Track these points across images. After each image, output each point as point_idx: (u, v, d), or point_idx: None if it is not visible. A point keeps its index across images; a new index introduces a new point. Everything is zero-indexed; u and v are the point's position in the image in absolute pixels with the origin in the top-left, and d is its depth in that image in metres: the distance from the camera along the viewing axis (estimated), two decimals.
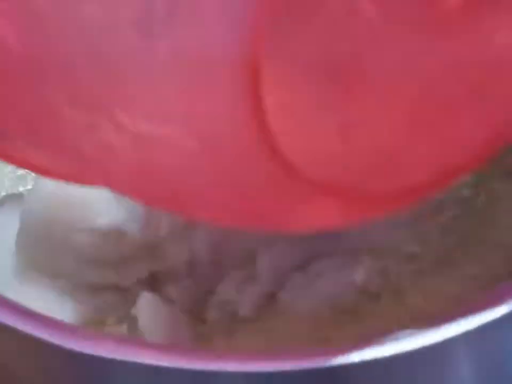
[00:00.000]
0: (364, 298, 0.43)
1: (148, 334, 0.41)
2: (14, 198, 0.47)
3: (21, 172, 0.49)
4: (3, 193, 0.49)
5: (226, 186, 0.30)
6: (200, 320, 0.43)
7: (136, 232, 0.42)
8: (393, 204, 0.33)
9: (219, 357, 0.32)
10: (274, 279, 0.44)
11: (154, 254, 0.44)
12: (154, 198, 0.32)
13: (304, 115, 0.29)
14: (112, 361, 0.32)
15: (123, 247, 0.43)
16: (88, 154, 0.31)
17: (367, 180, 0.31)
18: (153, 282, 0.44)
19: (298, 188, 0.30)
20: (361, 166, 0.31)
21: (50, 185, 0.43)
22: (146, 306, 0.43)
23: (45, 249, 0.44)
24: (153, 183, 0.31)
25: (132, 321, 0.42)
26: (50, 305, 0.41)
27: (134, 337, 0.40)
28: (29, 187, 0.48)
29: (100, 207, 0.42)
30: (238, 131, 0.28)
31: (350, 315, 0.43)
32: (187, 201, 0.32)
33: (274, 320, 0.43)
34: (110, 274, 0.44)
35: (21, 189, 0.49)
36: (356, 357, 0.31)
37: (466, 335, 0.32)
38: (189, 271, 0.44)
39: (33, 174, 0.46)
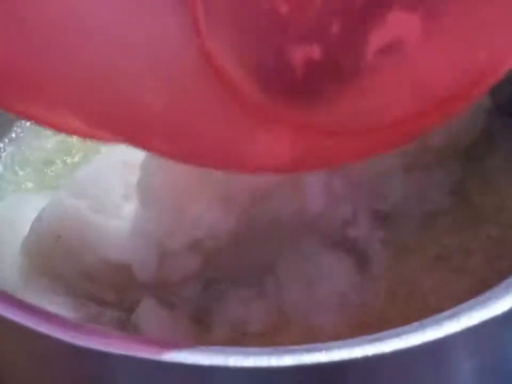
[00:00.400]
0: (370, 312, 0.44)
1: None
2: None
3: None
4: None
5: (177, 109, 0.32)
6: (204, 327, 0.43)
7: (147, 275, 0.42)
8: (343, 148, 0.34)
9: (218, 352, 0.32)
10: (283, 294, 0.44)
11: (163, 289, 0.44)
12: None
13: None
14: (111, 355, 0.32)
15: (130, 282, 0.43)
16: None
17: (314, 110, 0.32)
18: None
19: (246, 113, 0.32)
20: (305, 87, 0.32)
21: (69, 201, 0.43)
22: (148, 312, 0.43)
23: (52, 258, 0.44)
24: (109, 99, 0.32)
25: (133, 327, 0.42)
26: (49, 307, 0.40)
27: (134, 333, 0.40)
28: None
29: (117, 242, 0.42)
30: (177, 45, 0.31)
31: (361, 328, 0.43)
32: (140, 126, 0.33)
33: (283, 334, 0.43)
34: (112, 295, 0.44)
35: None
36: (358, 352, 0.31)
37: (467, 332, 0.32)
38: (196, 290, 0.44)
39: None
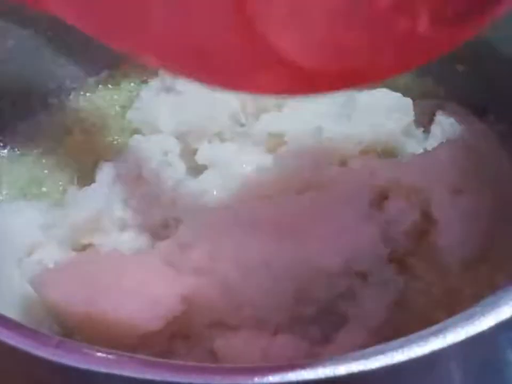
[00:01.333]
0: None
1: None
2: None
3: None
4: None
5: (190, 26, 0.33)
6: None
7: None
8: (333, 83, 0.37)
9: (203, 370, 0.32)
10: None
11: None
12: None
13: None
14: (97, 374, 0.31)
15: None
16: None
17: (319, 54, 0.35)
18: None
19: (261, 50, 0.34)
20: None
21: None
22: None
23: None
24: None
25: None
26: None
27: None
28: None
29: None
30: None
31: None
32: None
33: None
34: None
35: None
36: (343, 369, 0.31)
37: (453, 347, 0.32)
38: None
39: None
